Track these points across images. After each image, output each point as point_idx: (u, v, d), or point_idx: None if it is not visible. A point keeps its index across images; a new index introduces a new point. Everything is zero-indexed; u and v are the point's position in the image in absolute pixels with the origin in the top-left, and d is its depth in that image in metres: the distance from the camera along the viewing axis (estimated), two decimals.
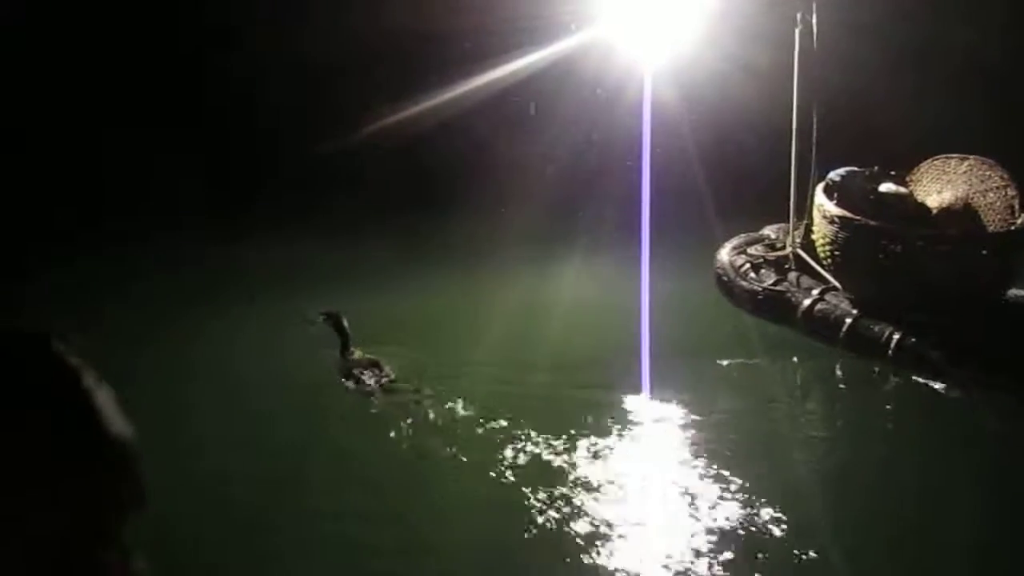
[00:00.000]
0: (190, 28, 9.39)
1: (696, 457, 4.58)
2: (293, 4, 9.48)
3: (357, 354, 5.41)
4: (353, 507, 4.21)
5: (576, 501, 4.15)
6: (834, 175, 6.08)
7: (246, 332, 6.17)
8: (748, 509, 4.06)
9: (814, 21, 6.03)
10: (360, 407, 5.18)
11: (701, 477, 4.38)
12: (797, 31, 6.11)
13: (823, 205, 5.91)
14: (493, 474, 4.42)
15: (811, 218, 6.11)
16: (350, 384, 5.25)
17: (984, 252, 5.55)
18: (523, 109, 9.04)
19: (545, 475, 4.37)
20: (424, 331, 6.25)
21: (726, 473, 4.36)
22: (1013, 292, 5.74)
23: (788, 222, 6.42)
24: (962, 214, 5.83)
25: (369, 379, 5.21)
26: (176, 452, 4.44)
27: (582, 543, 3.86)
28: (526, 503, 4.16)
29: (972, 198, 5.85)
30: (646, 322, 5.63)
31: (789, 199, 6.33)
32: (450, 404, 5.06)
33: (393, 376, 5.26)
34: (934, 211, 5.92)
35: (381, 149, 8.56)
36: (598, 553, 3.80)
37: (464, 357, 5.79)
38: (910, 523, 4.06)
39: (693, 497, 4.20)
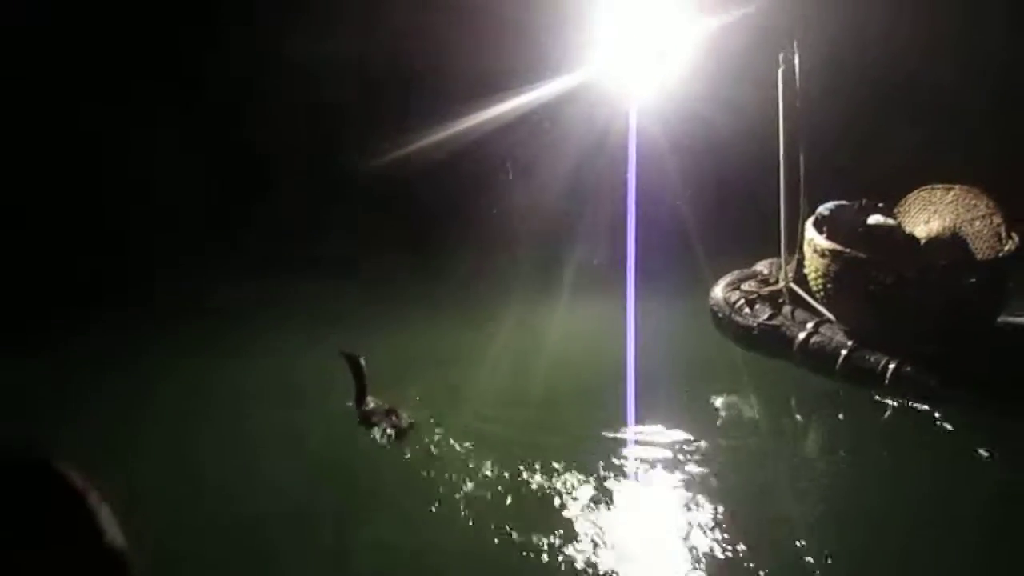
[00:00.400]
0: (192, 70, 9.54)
1: (688, 492, 4.54)
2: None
3: (372, 402, 5.32)
4: (357, 543, 4.20)
5: (577, 544, 4.12)
6: (823, 209, 6.17)
7: (242, 379, 6.17)
8: (743, 544, 4.03)
9: (796, 61, 6.17)
10: (355, 451, 5.15)
11: (693, 512, 4.34)
12: (780, 71, 6.25)
13: (813, 239, 5.99)
14: (489, 513, 4.38)
15: (802, 252, 6.18)
16: (374, 433, 5.16)
17: (973, 280, 5.62)
18: (514, 155, 9.18)
19: (543, 516, 4.35)
20: (419, 372, 6.25)
21: (720, 508, 4.34)
22: (1002, 318, 5.80)
23: (780, 257, 6.50)
24: (950, 243, 5.90)
25: (389, 428, 5.14)
26: (173, 498, 4.45)
27: None
28: (524, 546, 4.13)
29: (959, 227, 5.94)
30: (632, 360, 5.72)
31: (779, 234, 6.42)
32: (443, 443, 5.05)
33: (413, 421, 5.24)
34: (923, 241, 5.99)
35: (386, 180, 8.65)
36: None
37: (459, 396, 5.78)
38: (909, 554, 4.04)
39: (686, 533, 4.17)
